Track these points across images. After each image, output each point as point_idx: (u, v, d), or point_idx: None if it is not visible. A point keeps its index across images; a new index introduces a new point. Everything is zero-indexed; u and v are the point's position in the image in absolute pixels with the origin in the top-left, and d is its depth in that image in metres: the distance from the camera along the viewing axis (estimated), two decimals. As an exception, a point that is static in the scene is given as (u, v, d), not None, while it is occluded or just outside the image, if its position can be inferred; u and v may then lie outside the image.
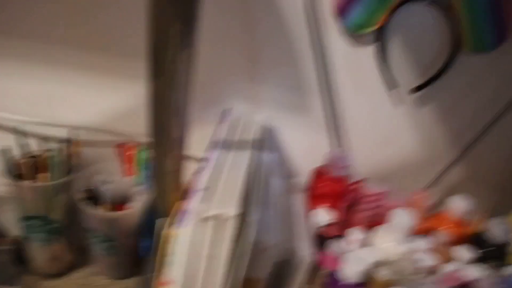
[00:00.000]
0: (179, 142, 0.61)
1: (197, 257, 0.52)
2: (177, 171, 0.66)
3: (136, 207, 0.74)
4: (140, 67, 0.75)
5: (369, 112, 0.77)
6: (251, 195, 0.54)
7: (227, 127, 0.70)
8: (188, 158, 0.65)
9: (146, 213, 0.77)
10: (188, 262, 0.52)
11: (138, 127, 0.80)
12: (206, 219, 0.49)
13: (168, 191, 0.69)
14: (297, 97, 0.77)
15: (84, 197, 0.73)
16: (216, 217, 0.49)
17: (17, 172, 0.73)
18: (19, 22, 0.73)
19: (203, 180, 0.55)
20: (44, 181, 0.73)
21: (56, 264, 0.82)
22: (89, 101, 0.78)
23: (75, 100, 0.78)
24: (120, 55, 0.74)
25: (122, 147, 0.78)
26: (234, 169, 0.59)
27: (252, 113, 0.77)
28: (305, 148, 0.81)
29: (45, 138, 0.78)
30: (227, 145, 0.65)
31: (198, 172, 0.57)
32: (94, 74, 0.76)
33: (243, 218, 0.50)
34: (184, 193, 0.71)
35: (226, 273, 0.53)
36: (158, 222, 0.73)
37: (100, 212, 0.72)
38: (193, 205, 0.49)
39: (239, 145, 0.65)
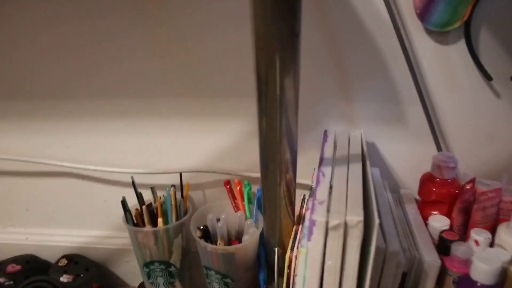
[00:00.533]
0: (291, 165, 0.63)
1: (329, 270, 0.51)
2: (289, 196, 0.67)
3: (250, 240, 0.75)
4: (237, 106, 0.79)
5: (468, 110, 0.75)
6: (370, 204, 0.54)
7: (330, 146, 0.70)
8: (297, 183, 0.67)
9: (261, 246, 0.78)
10: (319, 277, 0.52)
11: (242, 163, 0.83)
12: (334, 228, 0.49)
13: (281, 217, 0.70)
14: (391, 108, 0.77)
15: (200, 236, 0.75)
16: (342, 225, 0.49)
17: (136, 221, 0.77)
18: (119, 81, 0.79)
19: (320, 194, 0.55)
20: (160, 225, 0.76)
21: (178, 307, 0.83)
22: (193, 146, 0.82)
23: (181, 146, 0.82)
24: (216, 96, 0.78)
25: (229, 184, 0.81)
26: (349, 181, 0.59)
27: (350, 131, 0.77)
28: (409, 157, 0.79)
29: (157, 186, 0.81)
30: (335, 161, 0.65)
31: (314, 187, 0.58)
32: (194, 119, 0.80)
33: (367, 224, 0.50)
34: (297, 218, 0.72)
35: (356, 285, 0.52)
36: (275, 250, 0.74)
37: (216, 248, 0.74)
38: (317, 217, 0.50)
39: (346, 161, 0.65)
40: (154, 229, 0.75)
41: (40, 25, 0.77)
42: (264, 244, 0.78)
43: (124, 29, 0.75)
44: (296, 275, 0.56)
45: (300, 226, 0.71)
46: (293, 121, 0.58)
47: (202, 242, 0.74)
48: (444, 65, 0.72)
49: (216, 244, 0.75)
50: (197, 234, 0.75)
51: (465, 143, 0.77)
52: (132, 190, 0.79)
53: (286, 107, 0.54)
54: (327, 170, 0.62)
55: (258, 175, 0.81)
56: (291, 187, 0.67)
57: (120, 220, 0.89)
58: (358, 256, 0.51)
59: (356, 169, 0.63)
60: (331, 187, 0.57)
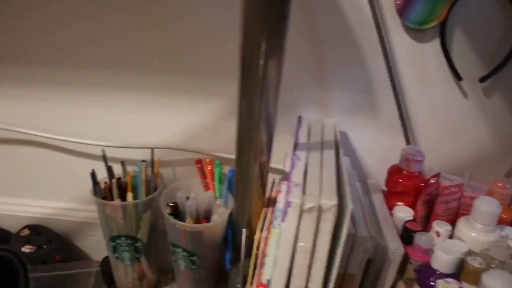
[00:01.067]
0: (266, 147, 0.64)
1: (301, 252, 0.53)
2: (262, 178, 0.68)
3: (219, 220, 0.75)
4: (214, 86, 0.79)
5: (437, 107, 0.78)
6: (343, 190, 0.55)
7: (304, 132, 0.72)
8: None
9: (229, 226, 0.79)
10: (290, 258, 0.53)
11: (215, 143, 0.83)
12: (309, 211, 0.50)
13: (252, 198, 0.71)
14: (364, 99, 0.79)
15: (169, 212, 0.75)
16: (317, 208, 0.50)
17: (104, 194, 0.76)
18: (96, 53, 0.78)
19: (296, 177, 0.56)
20: (130, 200, 0.76)
21: (142, 283, 0.84)
22: (166, 122, 0.81)
23: (154, 122, 0.81)
24: (193, 75, 0.77)
25: (201, 163, 0.81)
26: (323, 167, 0.60)
27: (324, 118, 0.79)
28: (378, 148, 0.81)
29: (127, 161, 0.81)
30: (309, 147, 0.66)
31: (289, 171, 0.59)
32: (169, 95, 0.79)
33: (340, 209, 0.51)
34: (268, 201, 0.73)
35: (325, 267, 0.54)
36: (243, 230, 0.75)
37: (185, 225, 0.74)
38: (293, 199, 0.51)
39: (320, 148, 0.67)
40: (123, 203, 0.75)
41: None
42: (232, 225, 0.79)
43: (106, 3, 0.73)
44: (266, 256, 0.57)
45: (270, 209, 0.73)
46: (273, 104, 0.58)
47: (171, 219, 0.74)
48: (418, 62, 0.74)
49: (185, 222, 0.75)
50: (166, 210, 0.75)
51: (432, 138, 0.80)
52: (100, 164, 0.78)
53: (267, 89, 0.55)
54: (302, 154, 0.63)
55: (230, 156, 0.82)
56: (264, 169, 0.68)
57: (86, 193, 0.89)
58: (330, 239, 0.52)
59: (329, 156, 0.64)
60: (305, 172, 0.58)
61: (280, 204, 0.62)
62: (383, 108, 0.79)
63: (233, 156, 0.81)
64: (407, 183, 0.75)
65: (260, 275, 0.60)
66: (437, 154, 0.81)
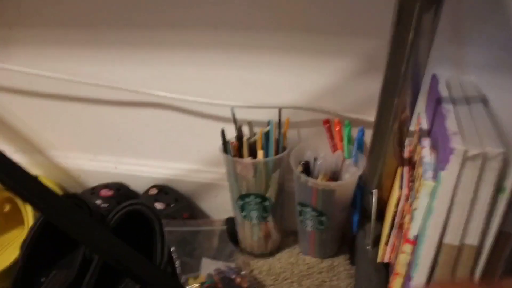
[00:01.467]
0: (409, 105, 0.61)
1: (459, 204, 0.50)
2: (400, 136, 0.66)
3: (351, 179, 0.74)
4: (344, 44, 0.77)
5: None
6: (505, 139, 0.51)
7: (443, 89, 0.68)
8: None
9: (357, 187, 0.78)
10: (447, 210, 0.51)
11: (342, 103, 0.82)
12: (473, 158, 0.47)
13: (388, 157, 0.69)
14: (508, 56, 0.73)
15: (300, 170, 0.75)
16: (481, 156, 0.47)
17: (233, 153, 0.77)
18: (220, 12, 0.78)
19: (452, 126, 0.53)
20: (260, 158, 0.76)
21: (266, 243, 0.84)
22: (293, 82, 0.81)
23: (281, 82, 0.81)
24: (323, 32, 0.76)
25: (329, 123, 0.80)
26: (475, 119, 0.56)
27: (460, 77, 0.74)
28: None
29: (254, 122, 0.81)
30: (454, 101, 0.63)
31: (442, 120, 0.56)
32: (297, 54, 0.78)
33: (505, 158, 0.48)
34: (402, 159, 0.70)
35: (484, 223, 0.51)
36: (374, 191, 0.73)
37: (318, 183, 0.73)
38: (456, 145, 0.48)
39: (466, 102, 0.63)
40: (255, 160, 0.75)
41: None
42: (361, 186, 0.77)
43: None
44: (415, 209, 0.55)
45: (407, 167, 0.70)
46: (423, 58, 0.56)
47: (303, 177, 0.73)
48: None
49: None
50: (298, 168, 0.75)
51: None
52: (226, 125, 0.79)
53: (419, 40, 0.53)
54: (449, 107, 0.59)
55: (359, 116, 0.80)
56: (404, 127, 0.65)
57: (209, 155, 0.91)
58: (492, 191, 0.49)
59: (479, 109, 0.60)
60: (460, 121, 0.55)
61: (426, 158, 0.59)
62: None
63: (362, 117, 0.79)
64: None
65: (406, 231, 0.58)
66: None
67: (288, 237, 0.93)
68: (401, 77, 0.58)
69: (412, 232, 0.57)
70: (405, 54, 0.55)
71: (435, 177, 0.54)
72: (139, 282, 0.62)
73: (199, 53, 0.82)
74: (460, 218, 0.51)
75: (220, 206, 0.96)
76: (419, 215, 0.55)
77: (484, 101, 0.64)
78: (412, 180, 0.66)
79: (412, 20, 0.52)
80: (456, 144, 0.48)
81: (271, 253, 0.88)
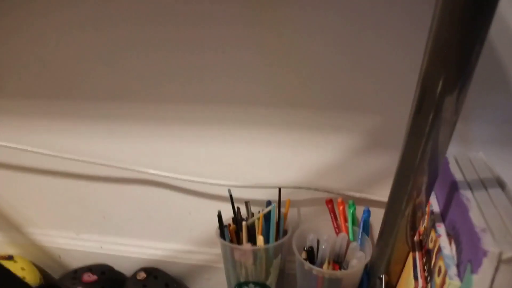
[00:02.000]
0: (425, 189, 0.57)
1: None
2: (413, 221, 0.61)
3: (358, 266, 0.69)
4: (346, 121, 0.74)
5: None
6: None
7: (455, 168, 0.64)
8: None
9: (364, 272, 0.72)
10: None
11: (345, 182, 0.77)
12: (507, 261, 0.42)
13: (399, 241, 0.64)
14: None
15: (304, 258, 0.69)
16: (517, 259, 0.42)
17: (230, 237, 0.72)
18: (216, 87, 0.74)
19: (478, 220, 0.48)
20: (261, 244, 0.71)
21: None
22: (293, 160, 0.77)
23: (280, 160, 0.77)
24: (323, 109, 0.73)
25: (331, 203, 0.75)
26: (498, 207, 0.52)
27: (468, 153, 0.71)
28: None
29: (251, 202, 0.76)
30: (469, 185, 0.59)
31: (463, 210, 0.51)
32: (297, 131, 0.75)
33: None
34: (413, 244, 0.66)
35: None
36: (382, 276, 0.67)
37: (324, 272, 0.68)
38: (489, 247, 0.43)
39: (482, 186, 0.59)
40: (254, 247, 0.70)
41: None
42: (367, 271, 0.72)
43: (233, 38, 0.70)
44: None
45: (419, 253, 0.65)
46: (444, 143, 0.52)
47: (307, 264, 0.68)
48: None
49: (321, 268, 0.69)
50: (302, 255, 0.70)
51: None
52: (220, 204, 0.74)
53: (440, 125, 0.50)
54: (467, 194, 0.55)
55: (363, 195, 0.76)
56: (418, 212, 0.61)
57: (202, 235, 0.85)
58: (527, 295, 0.44)
59: (498, 194, 0.56)
60: (486, 214, 0.50)
61: (445, 250, 0.55)
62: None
63: (367, 196, 0.75)
64: None
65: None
66: None
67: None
68: (418, 157, 0.54)
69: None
70: (424, 134, 0.52)
71: (459, 275, 0.49)
72: None
73: (193, 129, 0.78)
74: (495, 324, 0.45)
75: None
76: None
77: (501, 183, 0.60)
78: (427, 269, 0.61)
79: (434, 103, 0.48)
80: (489, 245, 0.43)
81: None
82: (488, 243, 0.44)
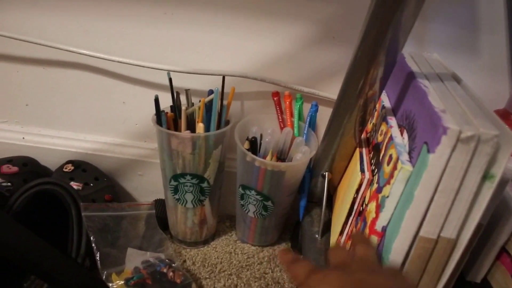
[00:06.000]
0: (380, 82, 0.54)
1: (444, 191, 0.43)
2: (364, 115, 0.58)
3: (302, 160, 0.65)
4: (302, 7, 0.68)
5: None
6: (495, 121, 0.45)
7: (411, 64, 0.61)
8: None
9: (306, 169, 0.70)
10: (430, 199, 0.43)
11: (295, 75, 0.73)
12: (466, 140, 0.40)
13: (346, 136, 0.61)
14: (469, 35, 0.68)
15: (247, 148, 0.65)
16: (476, 138, 0.40)
17: (168, 126, 0.66)
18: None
19: (437, 103, 0.46)
20: (200, 131, 0.65)
21: (202, 229, 0.75)
22: (240, 47, 0.71)
23: (226, 46, 0.71)
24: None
25: (278, 96, 0.70)
26: (455, 97, 0.50)
27: (423, 53, 0.68)
28: (479, 91, 0.71)
29: (192, 91, 0.70)
30: (427, 77, 0.56)
31: (421, 96, 0.49)
32: (247, 15, 0.68)
33: (497, 142, 0.41)
34: (361, 140, 0.63)
35: (466, 214, 0.44)
36: (326, 174, 0.65)
37: (267, 163, 0.64)
38: (450, 125, 0.41)
39: (439, 79, 0.57)
40: (193, 135, 0.64)
41: None
42: (310, 168, 0.69)
43: None
44: (385, 196, 0.48)
45: (367, 149, 0.63)
46: (404, 32, 0.49)
47: (250, 155, 0.64)
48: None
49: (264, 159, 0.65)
50: (245, 145, 0.65)
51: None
52: (159, 92, 0.67)
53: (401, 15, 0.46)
54: (425, 82, 0.52)
55: (313, 90, 0.72)
56: (370, 104, 0.58)
57: (137, 127, 0.79)
58: (480, 178, 0.42)
59: (454, 86, 0.54)
60: (443, 99, 0.48)
61: (397, 139, 0.52)
62: (489, 46, 0.69)
63: (316, 91, 0.71)
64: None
65: (373, 222, 0.50)
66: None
67: (224, 222, 0.83)
68: (378, 45, 0.50)
69: (380, 223, 0.49)
70: (386, 20, 0.48)
71: (411, 160, 0.47)
72: (47, 280, 0.49)
73: (130, 6, 0.69)
74: (442, 208, 0.44)
75: (147, 187, 0.85)
76: (391, 203, 0.48)
77: (457, 78, 0.58)
78: (374, 163, 0.59)
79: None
80: (449, 123, 0.40)
81: (206, 241, 0.78)
82: (448, 121, 0.41)
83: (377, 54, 0.51)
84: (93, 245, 0.62)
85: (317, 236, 0.68)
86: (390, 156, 0.51)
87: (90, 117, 0.81)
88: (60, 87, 0.79)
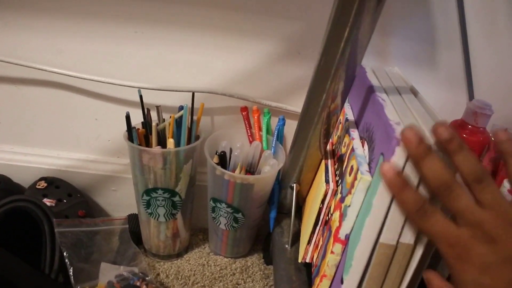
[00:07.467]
0: (341, 95, 0.57)
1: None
2: (328, 128, 0.61)
3: (271, 172, 0.68)
4: (267, 25, 0.70)
5: (502, 62, 0.71)
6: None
7: (372, 78, 0.64)
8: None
9: (276, 181, 0.72)
10: (387, 207, 0.46)
11: (262, 90, 0.75)
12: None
13: (312, 149, 0.64)
14: (427, 49, 0.72)
15: (216, 162, 0.67)
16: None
17: (139, 142, 0.67)
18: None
19: (392, 116, 0.49)
20: (171, 146, 0.67)
21: (175, 242, 0.76)
22: (209, 64, 0.73)
23: (195, 63, 0.73)
24: (243, 11, 0.69)
25: (246, 111, 0.73)
26: (412, 110, 0.53)
27: (384, 67, 0.71)
28: (438, 103, 0.75)
29: (162, 107, 0.72)
30: (386, 91, 0.59)
31: (378, 109, 0.51)
32: (214, 33, 0.71)
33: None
34: (326, 152, 0.66)
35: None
36: (294, 185, 0.67)
37: (236, 176, 0.66)
38: (399, 135, 0.43)
39: (397, 92, 0.60)
40: (164, 150, 0.66)
41: None
42: (278, 180, 0.72)
43: None
44: (348, 206, 0.50)
45: (331, 160, 0.66)
46: (361, 49, 0.52)
47: (219, 169, 0.66)
48: (487, 12, 0.67)
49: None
50: (214, 159, 0.67)
51: (497, 94, 0.74)
52: (130, 110, 0.69)
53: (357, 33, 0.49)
54: (383, 96, 0.55)
55: (280, 104, 0.74)
56: (333, 117, 0.60)
57: (109, 143, 0.80)
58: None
59: (412, 100, 0.57)
60: (399, 112, 0.51)
61: (358, 150, 0.55)
62: (446, 60, 0.73)
63: (283, 105, 0.74)
64: (472, 138, 0.69)
65: (337, 230, 0.53)
66: (500, 111, 0.74)
67: (197, 235, 0.84)
68: (337, 61, 0.53)
69: (343, 231, 0.52)
70: (343, 37, 0.50)
71: (371, 171, 0.49)
72: (21, 297, 0.50)
73: (102, 26, 0.71)
74: (399, 216, 0.46)
75: (120, 202, 0.86)
76: (352, 212, 0.50)
77: (414, 91, 0.61)
78: (338, 174, 0.61)
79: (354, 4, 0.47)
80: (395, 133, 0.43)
81: (179, 254, 0.80)
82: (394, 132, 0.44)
83: (336, 69, 0.53)
84: (66, 260, 0.63)
85: (287, 246, 0.70)
86: (352, 167, 0.54)
87: (63, 134, 0.82)
88: (33, 105, 0.80)
